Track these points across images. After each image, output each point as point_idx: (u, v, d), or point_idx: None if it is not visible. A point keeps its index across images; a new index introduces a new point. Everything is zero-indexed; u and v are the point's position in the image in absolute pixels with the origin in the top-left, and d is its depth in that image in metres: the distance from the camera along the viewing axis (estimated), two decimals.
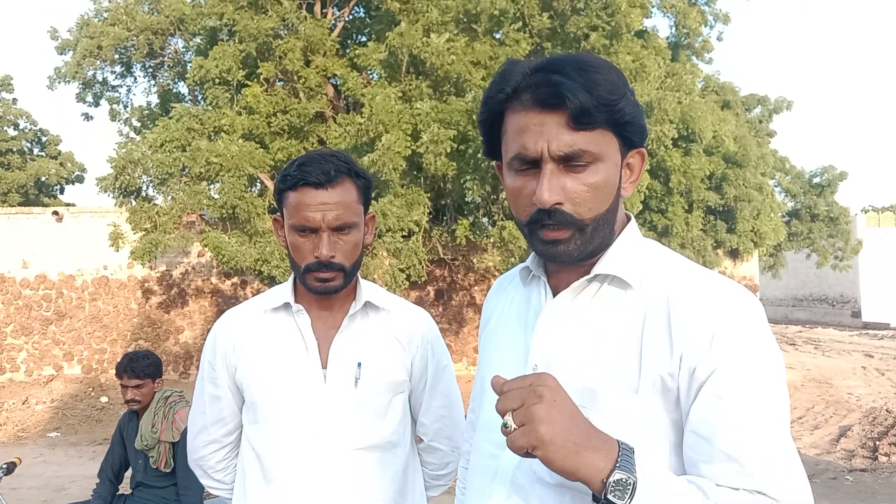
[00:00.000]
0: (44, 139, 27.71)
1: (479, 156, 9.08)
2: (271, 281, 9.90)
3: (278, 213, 1.72)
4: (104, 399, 12.93)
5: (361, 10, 12.69)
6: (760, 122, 17.95)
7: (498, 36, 10.16)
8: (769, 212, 14.05)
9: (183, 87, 13.69)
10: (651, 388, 1.04)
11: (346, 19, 12.22)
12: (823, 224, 19.09)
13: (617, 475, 0.89)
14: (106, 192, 10.51)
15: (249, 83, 10.60)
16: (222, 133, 10.21)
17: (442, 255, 12.27)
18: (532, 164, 1.07)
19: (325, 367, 1.68)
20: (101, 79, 13.74)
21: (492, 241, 10.25)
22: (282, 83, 10.91)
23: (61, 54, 13.47)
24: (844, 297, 26.23)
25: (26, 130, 27.26)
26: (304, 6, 11.08)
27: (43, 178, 26.33)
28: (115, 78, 13.96)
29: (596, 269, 1.13)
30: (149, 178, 10.50)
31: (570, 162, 1.05)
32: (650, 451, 1.03)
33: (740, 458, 0.96)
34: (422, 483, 1.86)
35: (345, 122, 9.62)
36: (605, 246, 1.14)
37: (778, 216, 15.09)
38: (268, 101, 10.49)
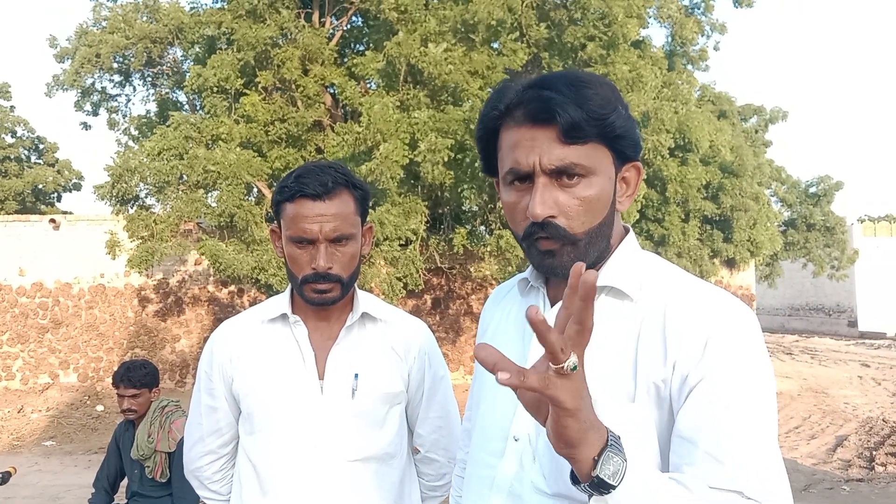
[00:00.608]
0: (41, 147, 27.70)
1: (477, 165, 9.10)
2: (268, 289, 9.90)
3: (276, 225, 1.73)
4: (100, 408, 12.88)
5: (359, 19, 12.74)
6: (756, 131, 18.02)
7: (495, 46, 10.21)
8: (765, 221, 14.10)
9: (181, 96, 13.72)
10: (646, 397, 1.05)
11: (345, 28, 12.26)
12: (820, 234, 19.14)
13: (608, 453, 0.88)
14: (103, 200, 10.52)
15: (247, 92, 10.63)
16: (220, 141, 10.24)
17: (439, 264, 12.28)
18: (526, 179, 1.09)
19: (321, 378, 1.68)
20: (99, 87, 13.78)
21: (489, 249, 10.27)
22: (280, 92, 10.94)
23: (60, 63, 13.51)
24: (841, 306, 26.27)
25: (24, 138, 27.24)
26: (303, 15, 11.13)
27: (40, 186, 26.30)
28: (114, 87, 14.00)
29: None
30: (146, 187, 10.51)
31: (562, 176, 1.07)
32: (648, 458, 1.04)
33: (723, 458, 0.96)
34: (418, 494, 1.85)
35: (342, 131, 9.65)
36: (603, 258, 1.15)
37: (774, 226, 15.14)
38: (266, 109, 10.51)
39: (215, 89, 10.43)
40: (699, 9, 12.99)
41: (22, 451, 10.75)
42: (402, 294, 10.20)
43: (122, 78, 13.74)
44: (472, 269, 13.16)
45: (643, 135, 9.66)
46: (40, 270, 14.14)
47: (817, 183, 19.46)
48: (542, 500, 1.09)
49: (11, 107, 26.83)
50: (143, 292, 14.35)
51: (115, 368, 3.81)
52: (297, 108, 10.75)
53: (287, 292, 1.77)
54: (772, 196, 18.23)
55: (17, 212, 22.87)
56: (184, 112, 12.25)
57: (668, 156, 10.73)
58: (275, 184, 10.35)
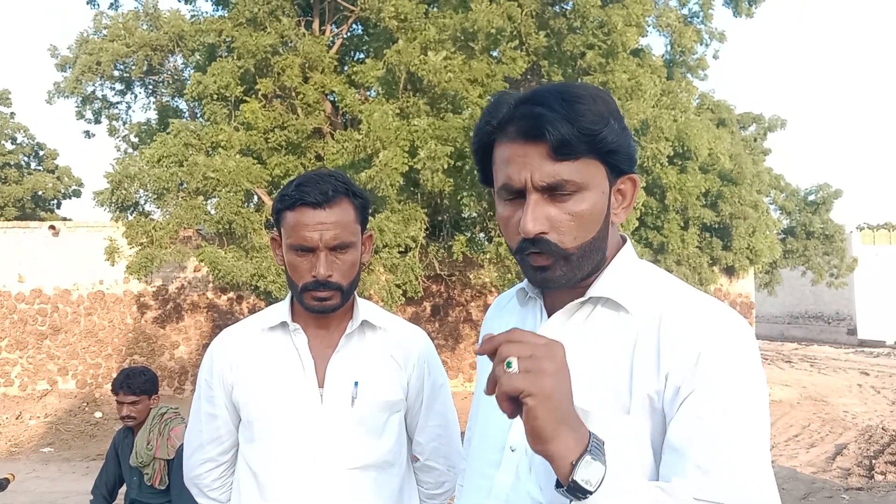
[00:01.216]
0: (41, 153, 27.74)
1: (476, 172, 9.11)
2: (267, 296, 9.90)
3: (276, 233, 1.74)
4: (98, 414, 12.86)
5: (359, 27, 12.78)
6: (755, 140, 18.08)
7: (495, 54, 10.24)
8: (764, 229, 14.12)
9: (182, 104, 13.76)
10: (641, 409, 1.05)
11: (345, 37, 12.30)
12: (819, 241, 19.17)
13: (588, 458, 0.89)
14: (102, 206, 10.53)
15: (248, 99, 10.66)
16: (220, 148, 10.26)
17: (438, 271, 12.29)
18: (518, 194, 1.09)
19: (321, 386, 1.69)
20: (100, 95, 13.82)
21: (488, 257, 10.27)
22: (280, 99, 10.97)
23: (61, 71, 13.55)
24: (840, 314, 26.27)
25: (24, 144, 27.30)
26: (303, 23, 11.17)
27: (40, 192, 26.34)
28: (115, 94, 14.05)
29: (590, 292, 1.14)
30: (146, 193, 10.52)
31: (554, 192, 1.07)
32: (642, 470, 1.04)
33: (710, 470, 0.96)
34: (417, 502, 1.86)
35: (342, 139, 9.67)
36: (598, 270, 1.15)
37: (773, 233, 15.16)
38: (266, 116, 10.54)
39: (215, 97, 10.46)
40: (698, 17, 13.04)
41: (20, 457, 10.73)
42: (401, 301, 10.20)
43: (123, 86, 13.79)
44: (471, 277, 13.16)
45: (642, 143, 9.68)
46: (39, 277, 14.14)
47: (816, 191, 19.51)
48: None
49: (12, 113, 26.91)
50: (142, 299, 14.35)
51: (114, 375, 3.82)
52: (297, 115, 10.78)
53: (287, 300, 1.77)
54: (771, 204, 18.27)
55: (16, 218, 22.89)
56: (184, 119, 12.28)
57: (667, 164, 10.75)
58: (274, 191, 10.37)
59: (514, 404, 0.90)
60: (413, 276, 10.16)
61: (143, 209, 11.02)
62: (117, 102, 14.34)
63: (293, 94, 10.63)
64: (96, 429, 12.24)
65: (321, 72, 10.77)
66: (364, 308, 1.77)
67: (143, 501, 3.71)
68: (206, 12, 13.09)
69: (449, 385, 1.91)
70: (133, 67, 12.64)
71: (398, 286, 10.06)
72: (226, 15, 11.30)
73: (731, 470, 0.97)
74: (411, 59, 9.18)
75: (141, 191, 10.49)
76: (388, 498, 1.71)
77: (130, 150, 14.14)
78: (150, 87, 13.99)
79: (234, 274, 9.68)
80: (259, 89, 10.49)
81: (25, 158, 27.40)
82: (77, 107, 14.00)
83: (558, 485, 0.92)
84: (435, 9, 10.44)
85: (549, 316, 1.19)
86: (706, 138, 10.93)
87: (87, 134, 15.32)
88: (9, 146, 26.63)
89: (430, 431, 1.83)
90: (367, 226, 1.79)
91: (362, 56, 12.63)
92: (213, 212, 10.21)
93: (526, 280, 1.28)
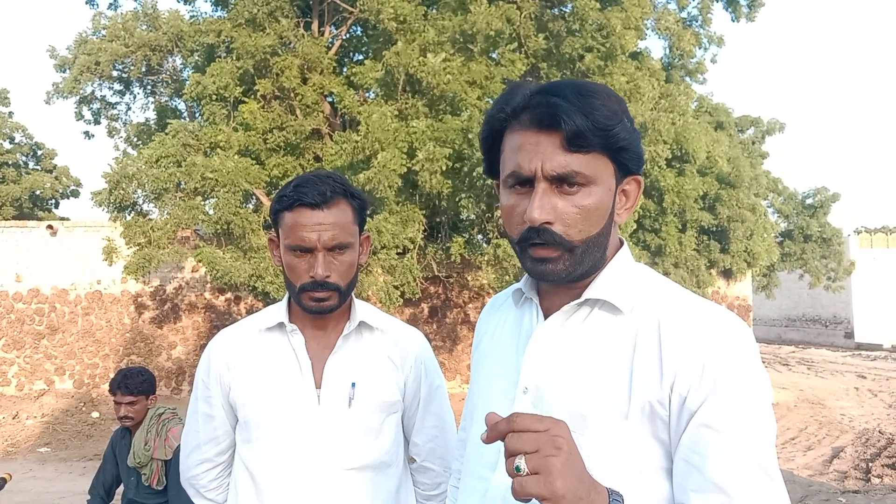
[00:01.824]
0: (39, 153, 27.71)
1: (475, 174, 9.13)
2: (265, 297, 9.90)
3: (274, 233, 1.74)
4: (95, 414, 12.85)
5: (359, 29, 12.79)
6: (753, 143, 18.08)
7: (494, 56, 10.25)
8: (762, 232, 14.13)
9: (180, 104, 13.76)
10: (640, 414, 1.05)
11: (344, 38, 12.31)
12: (816, 245, 19.19)
13: None
14: (100, 206, 10.52)
15: (246, 100, 10.66)
16: (218, 149, 10.25)
17: (436, 273, 12.28)
18: (526, 183, 1.09)
19: (318, 387, 1.69)
20: (99, 95, 13.82)
21: (486, 258, 10.27)
22: (278, 100, 10.97)
23: (60, 72, 13.54)
24: (837, 317, 26.29)
25: (22, 144, 27.27)
26: (302, 24, 11.17)
27: (38, 192, 26.31)
28: (114, 95, 14.05)
29: (587, 294, 1.14)
30: (144, 193, 10.52)
31: (562, 183, 1.07)
32: (640, 475, 1.05)
33: (728, 489, 0.98)
34: (414, 503, 1.86)
35: (341, 140, 9.67)
36: (597, 269, 1.15)
37: (771, 237, 15.18)
38: (264, 117, 10.54)
39: (214, 97, 10.46)
40: (697, 21, 13.08)
41: (16, 457, 10.72)
42: (399, 303, 10.20)
43: (122, 86, 13.79)
44: (469, 278, 13.17)
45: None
46: (37, 276, 14.12)
47: (814, 194, 19.53)
48: None
49: (10, 113, 26.87)
50: (139, 299, 14.34)
51: (111, 375, 3.82)
52: (296, 116, 10.78)
53: (284, 301, 1.78)
54: (769, 207, 18.29)
55: (14, 217, 22.87)
56: (182, 120, 12.27)
57: (665, 166, 10.77)
58: (273, 192, 10.37)
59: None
60: (411, 277, 10.16)
61: (141, 209, 11.02)
62: (116, 103, 14.36)
63: (292, 95, 10.64)
64: (93, 429, 12.22)
65: (320, 73, 10.77)
66: (361, 309, 1.77)
67: (140, 502, 3.71)
68: (206, 13, 13.12)
69: (446, 386, 1.92)
70: (132, 68, 12.65)
71: (396, 287, 10.06)
72: (225, 16, 11.30)
73: (749, 489, 0.98)
74: (410, 60, 9.19)
75: (139, 191, 10.49)
76: (385, 499, 1.72)
77: (130, 151, 14.13)
78: (149, 87, 14.00)
79: (232, 274, 9.67)
80: (258, 90, 10.49)
81: (23, 158, 27.37)
82: (76, 107, 14.00)
83: None
84: (434, 11, 10.45)
85: (546, 317, 1.19)
86: (704, 141, 10.94)
87: (87, 135, 15.32)
88: (7, 145, 26.61)
89: (427, 433, 1.84)
90: (365, 227, 1.80)
91: (361, 57, 12.64)
92: (211, 212, 10.21)
93: (522, 281, 1.28)
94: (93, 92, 13.66)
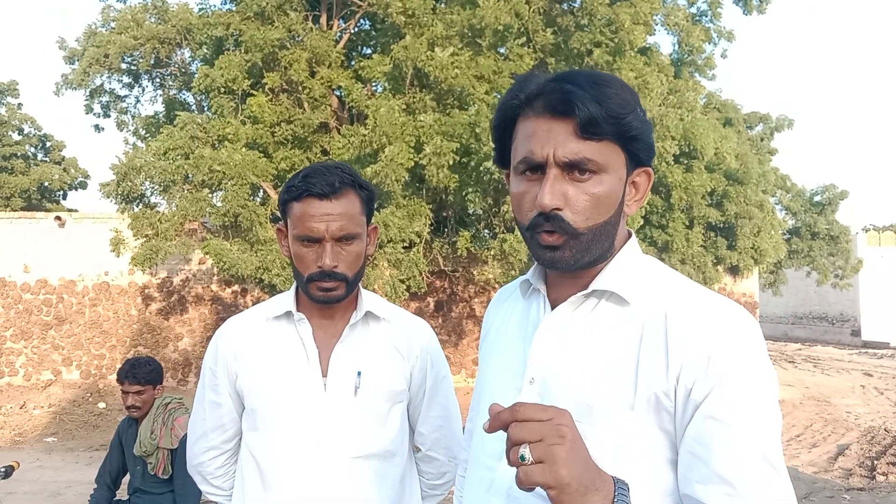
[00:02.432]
0: (48, 144, 27.80)
1: (482, 168, 9.12)
2: (272, 289, 9.92)
3: (282, 223, 1.75)
4: (102, 405, 12.92)
5: (367, 22, 12.78)
6: (762, 139, 18.01)
7: (502, 51, 10.24)
8: (770, 229, 14.07)
9: (189, 97, 13.78)
10: (646, 406, 1.05)
11: (352, 31, 12.30)
12: (824, 242, 19.11)
13: None
14: (108, 197, 10.56)
15: (254, 93, 10.67)
16: (226, 142, 10.27)
17: (442, 267, 12.30)
18: (538, 169, 1.10)
19: (325, 375, 1.70)
20: (108, 88, 13.85)
21: (492, 253, 10.28)
22: (286, 93, 10.98)
23: (70, 64, 13.57)
24: (844, 315, 26.21)
25: (30, 135, 27.36)
26: (311, 18, 11.17)
27: (46, 184, 26.40)
28: (123, 87, 14.07)
29: (594, 285, 1.14)
30: (152, 185, 10.55)
31: (574, 170, 1.07)
32: (645, 467, 1.05)
33: (734, 481, 0.98)
34: (419, 492, 1.87)
35: (348, 133, 9.68)
36: (605, 259, 1.15)
37: (778, 234, 15.11)
38: (272, 110, 10.55)
39: (222, 90, 10.48)
40: (707, 16, 13.00)
41: (24, 446, 10.79)
42: (405, 296, 10.21)
43: (131, 78, 13.81)
44: (475, 273, 13.17)
45: None
46: (45, 267, 14.19)
47: (822, 192, 19.45)
48: (540, 503, 1.10)
49: (19, 104, 26.96)
50: (146, 290, 14.40)
51: (118, 366, 3.84)
52: (304, 109, 10.79)
53: (292, 290, 1.79)
54: (776, 204, 18.22)
55: (22, 209, 22.97)
56: (191, 112, 12.30)
57: (672, 162, 10.74)
58: (280, 185, 10.39)
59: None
60: (417, 271, 10.17)
61: (149, 201, 11.05)
62: (125, 96, 14.38)
63: (300, 88, 10.64)
64: (100, 419, 12.29)
65: (328, 66, 10.77)
66: (368, 299, 1.78)
67: (146, 490, 3.73)
68: (214, 6, 13.15)
69: (451, 377, 1.92)
70: (141, 60, 12.66)
71: (402, 281, 10.07)
72: (234, 8, 11.30)
73: (755, 481, 0.98)
74: (418, 54, 9.18)
75: (147, 183, 10.52)
76: (390, 487, 1.73)
77: (139, 143, 14.17)
78: (158, 80, 14.01)
79: (239, 266, 9.70)
80: (266, 83, 10.50)
81: (32, 149, 27.46)
82: (86, 100, 14.02)
83: None
84: (443, 5, 10.43)
85: (553, 308, 1.20)
86: (712, 137, 10.91)
87: (97, 128, 15.37)
88: (15, 137, 26.70)
89: (432, 422, 1.84)
90: (372, 219, 1.81)
91: (369, 51, 12.63)
92: (218, 204, 10.23)
93: (530, 272, 1.28)
94: (102, 84, 13.69)
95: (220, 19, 11.12)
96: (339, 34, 11.76)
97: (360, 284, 1.77)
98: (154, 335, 14.34)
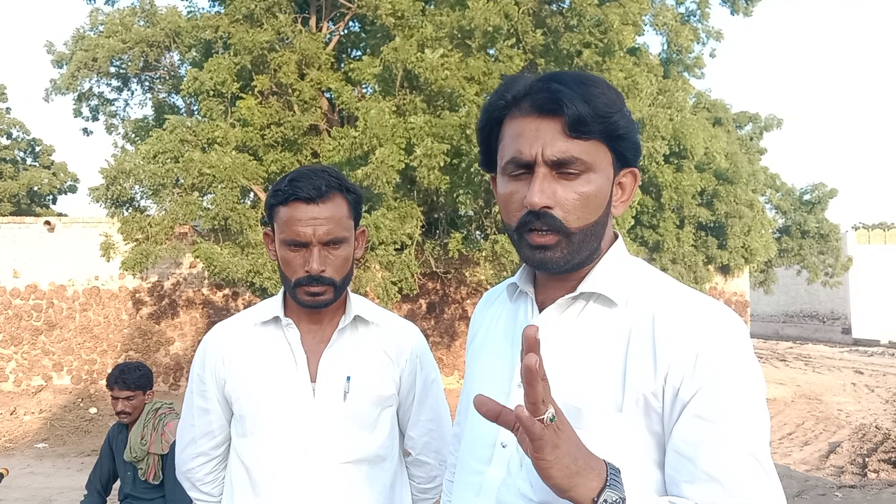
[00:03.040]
0: (37, 149, 27.66)
1: (472, 170, 9.13)
2: (263, 292, 9.89)
3: (269, 228, 1.74)
4: (93, 410, 12.85)
5: (356, 24, 12.76)
6: (751, 139, 18.09)
7: (492, 52, 10.24)
8: (760, 228, 14.15)
9: (178, 100, 13.74)
10: (635, 407, 1.05)
11: (341, 33, 12.29)
12: (814, 241, 19.22)
13: (607, 494, 0.90)
14: (98, 202, 10.50)
15: (244, 95, 10.63)
16: (216, 145, 10.23)
17: (434, 269, 12.28)
18: (526, 169, 1.09)
19: (314, 380, 1.69)
20: (97, 92, 13.79)
21: (484, 254, 10.28)
22: (276, 96, 10.95)
23: (58, 68, 13.50)
24: (835, 313, 26.35)
25: (19, 140, 27.21)
26: (300, 20, 11.15)
27: (35, 188, 26.27)
28: (111, 91, 14.01)
29: (581, 287, 1.14)
30: (141, 189, 10.50)
31: (562, 168, 1.07)
32: (634, 468, 1.04)
33: (721, 478, 0.98)
34: (409, 497, 1.86)
35: (339, 136, 9.66)
36: (592, 261, 1.15)
37: (769, 232, 15.20)
38: (262, 113, 10.52)
39: (212, 93, 10.44)
40: (695, 16, 13.05)
41: (14, 453, 10.72)
42: (396, 298, 10.20)
43: (120, 82, 13.76)
44: (467, 274, 13.17)
45: None
46: (35, 272, 14.12)
47: (812, 190, 19.57)
48: None
49: (7, 108, 26.81)
50: (137, 295, 14.33)
51: (109, 371, 3.82)
52: (294, 112, 10.76)
53: (280, 295, 1.78)
54: (766, 203, 18.32)
55: (11, 213, 22.84)
56: (180, 115, 12.25)
57: (663, 162, 10.78)
58: (270, 187, 10.31)
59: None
60: (409, 273, 10.15)
61: (139, 205, 11.00)
62: (114, 99, 14.32)
63: (289, 90, 10.61)
64: (91, 424, 12.23)
65: (318, 69, 10.75)
66: (356, 303, 1.77)
67: (136, 496, 3.71)
68: (203, 8, 13.11)
69: (441, 380, 1.92)
70: (129, 64, 12.62)
71: (394, 283, 10.05)
72: (222, 11, 11.27)
73: (742, 478, 0.98)
74: (408, 56, 9.18)
75: (136, 187, 10.47)
76: (380, 492, 1.72)
77: (128, 147, 14.11)
78: (147, 83, 13.96)
79: (230, 270, 9.67)
80: (255, 86, 10.47)
81: (21, 154, 27.32)
82: (74, 104, 13.96)
83: None
84: (432, 6, 10.43)
85: (541, 311, 1.19)
86: (702, 137, 10.95)
87: (86, 131, 15.30)
88: (4, 141, 26.56)
89: (422, 426, 1.84)
90: (362, 222, 1.80)
91: (359, 53, 12.61)
92: (209, 208, 10.20)
93: (517, 274, 1.28)
94: (90, 88, 13.63)
95: (208, 22, 11.09)
96: (328, 36, 11.74)
97: (348, 288, 1.76)
98: (145, 339, 14.28)
